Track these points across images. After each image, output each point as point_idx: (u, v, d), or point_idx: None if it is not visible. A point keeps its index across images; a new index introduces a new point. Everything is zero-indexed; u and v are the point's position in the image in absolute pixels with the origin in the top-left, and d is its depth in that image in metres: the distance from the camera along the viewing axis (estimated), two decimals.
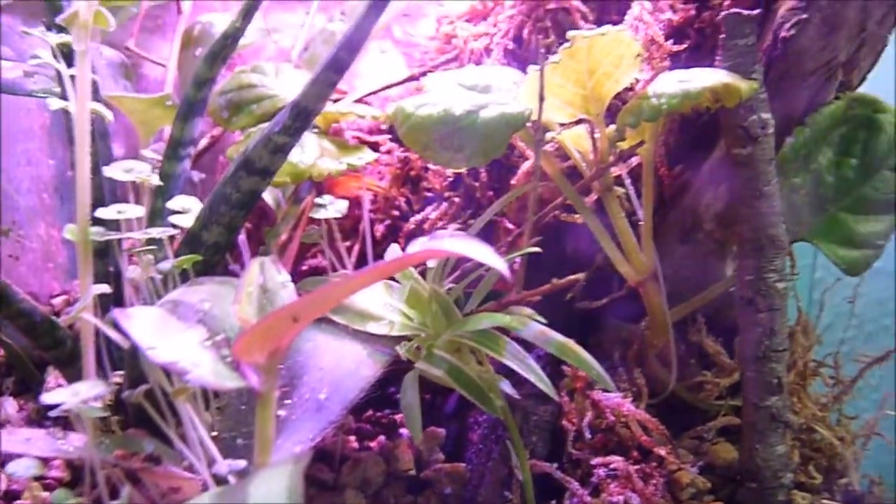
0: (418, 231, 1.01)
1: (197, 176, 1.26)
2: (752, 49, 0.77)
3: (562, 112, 0.78)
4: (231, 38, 0.96)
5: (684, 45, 0.85)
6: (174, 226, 0.86)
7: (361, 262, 1.06)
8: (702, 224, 0.91)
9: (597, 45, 0.72)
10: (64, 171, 1.26)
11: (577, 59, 0.73)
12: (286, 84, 1.03)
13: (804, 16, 0.76)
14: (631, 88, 0.83)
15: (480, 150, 0.72)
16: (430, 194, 1.02)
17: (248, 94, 1.00)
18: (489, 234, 0.94)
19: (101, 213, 0.81)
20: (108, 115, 0.88)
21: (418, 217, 1.01)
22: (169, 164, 0.98)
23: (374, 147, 1.15)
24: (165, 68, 1.21)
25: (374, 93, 1.10)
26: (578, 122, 0.81)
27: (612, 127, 0.79)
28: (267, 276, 0.67)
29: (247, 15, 0.95)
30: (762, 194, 0.79)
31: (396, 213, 1.10)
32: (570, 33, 0.71)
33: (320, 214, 0.86)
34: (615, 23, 0.94)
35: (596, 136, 0.80)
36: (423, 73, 1.08)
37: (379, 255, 1.09)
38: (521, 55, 0.99)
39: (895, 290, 1.37)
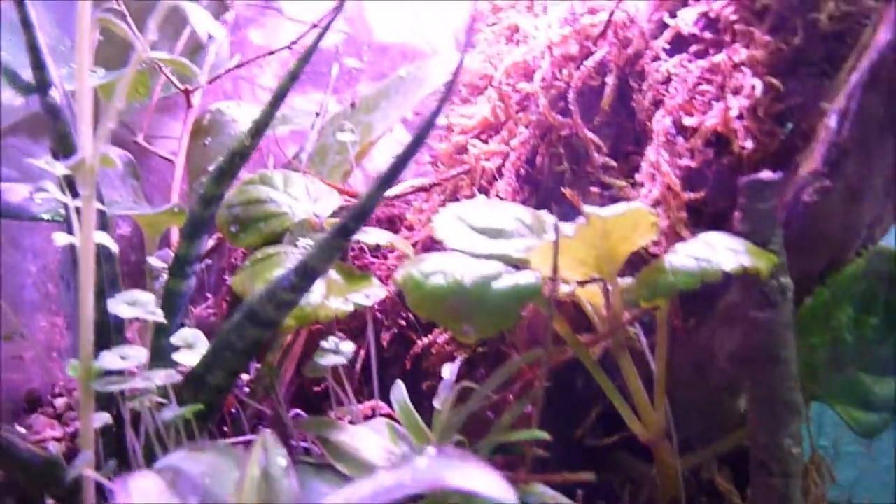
0: (426, 356, 0.99)
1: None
2: (772, 213, 0.75)
3: (575, 271, 0.76)
4: (240, 156, 0.94)
5: (702, 193, 0.83)
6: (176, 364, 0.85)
7: (367, 374, 1.04)
8: (716, 361, 0.89)
9: (612, 218, 0.70)
10: (68, 258, 1.25)
11: (592, 225, 0.71)
12: (295, 197, 1.02)
13: (827, 183, 0.74)
14: None
15: (491, 323, 0.71)
16: None
17: (256, 210, 0.98)
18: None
19: (104, 361, 0.79)
20: (114, 246, 0.86)
21: (426, 340, 0.99)
22: (174, 282, 0.97)
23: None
24: (174, 163, 1.20)
25: (390, 199, 1.09)
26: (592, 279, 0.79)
27: (628, 280, 0.78)
28: (270, 459, 0.66)
29: (256, 133, 0.93)
30: (779, 359, 0.77)
31: (403, 322, 1.08)
32: (585, 209, 0.69)
33: (326, 361, 0.84)
34: (630, 153, 0.93)
35: (609, 293, 0.78)
36: (434, 185, 1.07)
37: (385, 363, 1.08)
38: (533, 177, 0.97)
39: None
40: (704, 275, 0.69)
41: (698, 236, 0.74)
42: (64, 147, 0.87)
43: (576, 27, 0.94)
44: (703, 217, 0.85)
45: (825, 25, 0.80)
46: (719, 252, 0.70)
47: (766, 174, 0.75)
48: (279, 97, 0.93)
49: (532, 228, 0.83)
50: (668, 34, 0.90)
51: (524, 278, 0.72)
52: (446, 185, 1.04)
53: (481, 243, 0.80)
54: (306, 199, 1.02)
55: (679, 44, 0.90)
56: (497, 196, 0.98)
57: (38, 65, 0.86)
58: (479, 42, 1.16)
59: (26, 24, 0.86)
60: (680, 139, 0.84)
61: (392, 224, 1.20)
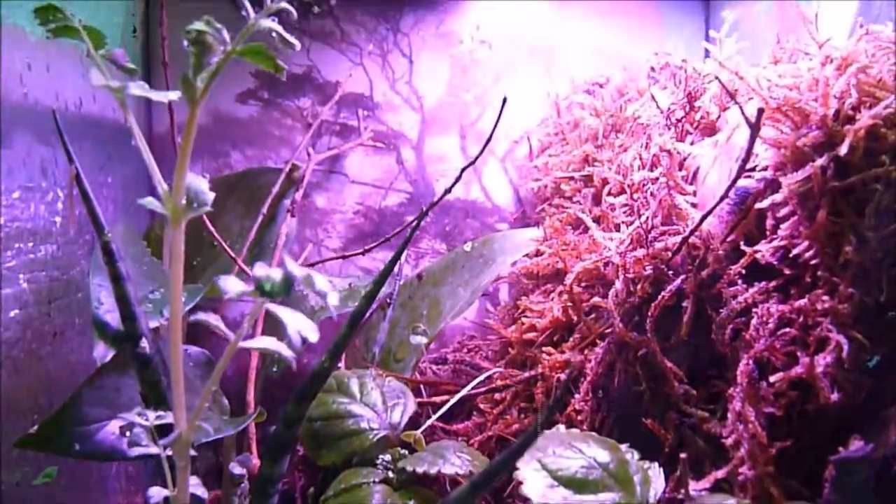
0: None
1: None
2: (864, 486, 0.74)
3: None
4: (320, 378, 0.96)
5: (788, 442, 0.83)
6: None
7: None
8: None
9: None
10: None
11: None
12: (372, 406, 1.04)
13: None
14: None
15: None
16: None
17: (337, 427, 1.01)
18: None
19: None
20: (206, 494, 0.89)
21: None
22: (258, 501, 0.99)
23: None
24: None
25: (477, 393, 1.10)
26: None
27: None
28: None
29: (334, 356, 0.95)
30: None
31: None
32: None
33: None
34: (710, 377, 0.93)
35: None
36: (506, 387, 1.08)
37: None
38: (610, 395, 0.98)
39: None
40: None
41: None
42: (154, 393, 0.89)
43: (650, 250, 0.94)
44: (787, 458, 0.85)
45: None
46: None
47: (856, 446, 0.75)
48: (358, 317, 0.95)
49: (616, 477, 0.84)
50: (744, 261, 0.90)
51: None
52: (518, 389, 1.05)
53: (567, 499, 0.81)
54: (382, 408, 1.04)
55: (755, 270, 0.89)
56: (574, 411, 0.99)
57: (129, 316, 0.89)
58: (545, 228, 1.18)
59: (116, 279, 0.88)
60: (763, 384, 0.84)
61: (464, 404, 1.22)
